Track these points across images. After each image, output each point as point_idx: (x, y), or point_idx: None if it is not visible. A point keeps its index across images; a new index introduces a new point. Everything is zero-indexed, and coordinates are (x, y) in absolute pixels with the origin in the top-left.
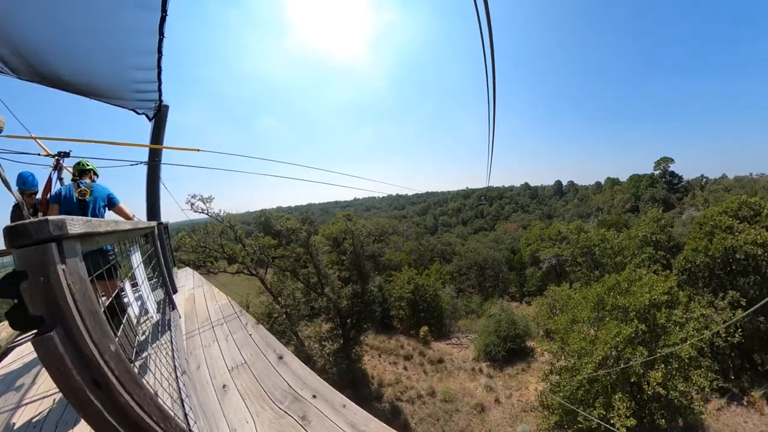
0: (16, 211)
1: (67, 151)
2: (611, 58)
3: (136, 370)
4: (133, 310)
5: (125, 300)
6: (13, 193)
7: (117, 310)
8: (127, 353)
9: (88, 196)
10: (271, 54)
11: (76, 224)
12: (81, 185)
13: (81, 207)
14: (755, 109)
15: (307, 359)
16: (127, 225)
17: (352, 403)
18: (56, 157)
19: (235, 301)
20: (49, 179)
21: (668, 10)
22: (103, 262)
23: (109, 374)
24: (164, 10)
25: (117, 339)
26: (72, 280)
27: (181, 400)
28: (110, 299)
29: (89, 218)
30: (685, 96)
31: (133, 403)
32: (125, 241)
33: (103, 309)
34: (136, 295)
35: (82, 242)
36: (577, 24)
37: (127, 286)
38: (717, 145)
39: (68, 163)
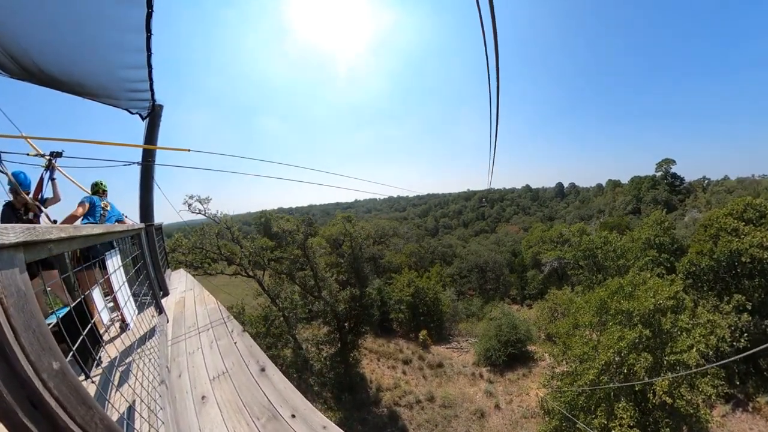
0: (7, 211)
1: (60, 151)
2: (613, 59)
3: (92, 387)
4: (103, 318)
5: (97, 307)
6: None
7: (86, 317)
8: (87, 368)
9: (108, 209)
10: (271, 56)
11: (10, 233)
12: (104, 200)
13: (101, 218)
14: (757, 109)
15: (305, 362)
16: (98, 229)
17: (333, 425)
18: (49, 157)
19: (231, 303)
20: (41, 179)
21: (670, 10)
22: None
23: (46, 395)
24: (150, 6)
25: (72, 352)
26: (5, 294)
27: (155, 414)
28: (70, 307)
29: (33, 225)
30: (687, 97)
31: (74, 426)
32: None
33: (55, 321)
34: (111, 302)
35: (27, 251)
36: (578, 24)
37: (97, 293)
38: (719, 147)
39: (60, 163)
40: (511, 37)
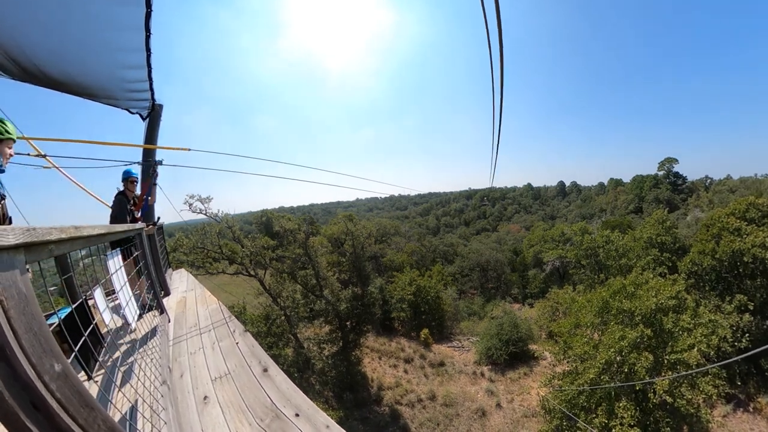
0: (121, 199)
1: (160, 159)
2: (615, 57)
3: (95, 388)
4: (105, 319)
5: (99, 309)
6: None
7: (88, 321)
8: (89, 368)
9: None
10: (272, 57)
11: (10, 234)
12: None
13: None
14: (760, 108)
15: (306, 361)
16: (98, 229)
17: (335, 424)
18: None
19: (233, 302)
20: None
21: (671, 8)
22: None
23: (48, 397)
24: (149, 6)
25: (74, 354)
26: (6, 296)
27: (157, 414)
28: (72, 308)
29: (33, 226)
30: (689, 96)
31: (76, 428)
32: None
33: (55, 324)
34: (114, 303)
35: (29, 252)
36: (579, 22)
37: (99, 294)
38: (721, 146)
39: (60, 163)
40: (511, 33)
